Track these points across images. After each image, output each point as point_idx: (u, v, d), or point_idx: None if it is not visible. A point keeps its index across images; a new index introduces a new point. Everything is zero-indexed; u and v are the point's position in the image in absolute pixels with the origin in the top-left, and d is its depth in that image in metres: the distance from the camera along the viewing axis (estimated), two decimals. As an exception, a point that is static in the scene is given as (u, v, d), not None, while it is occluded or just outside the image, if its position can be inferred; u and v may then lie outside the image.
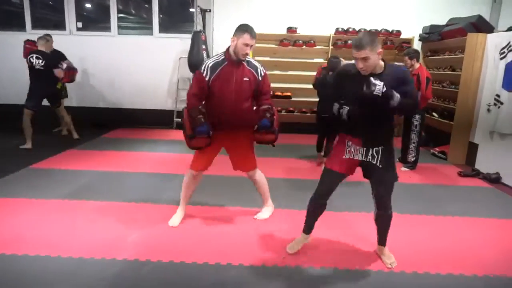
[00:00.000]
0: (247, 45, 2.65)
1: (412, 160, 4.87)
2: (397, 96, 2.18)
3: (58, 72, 5.36)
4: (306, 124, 6.81)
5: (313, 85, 4.92)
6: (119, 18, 7.14)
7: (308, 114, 6.87)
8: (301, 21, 6.82)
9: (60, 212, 3.27)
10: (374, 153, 2.38)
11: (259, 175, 3.15)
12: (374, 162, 2.39)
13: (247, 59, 2.79)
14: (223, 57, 2.74)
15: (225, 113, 2.79)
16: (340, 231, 3.03)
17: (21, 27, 7.05)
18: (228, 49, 2.75)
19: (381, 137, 2.40)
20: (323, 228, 2.91)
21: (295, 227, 2.91)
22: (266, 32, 6.68)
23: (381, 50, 2.22)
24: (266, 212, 3.28)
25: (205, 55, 6.19)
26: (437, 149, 5.66)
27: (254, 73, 2.81)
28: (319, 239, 2.86)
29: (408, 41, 6.74)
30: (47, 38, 5.47)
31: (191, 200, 3.25)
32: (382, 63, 2.29)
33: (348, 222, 3.23)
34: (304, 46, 6.73)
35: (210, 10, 6.74)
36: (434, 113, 5.91)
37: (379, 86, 2.14)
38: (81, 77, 7.08)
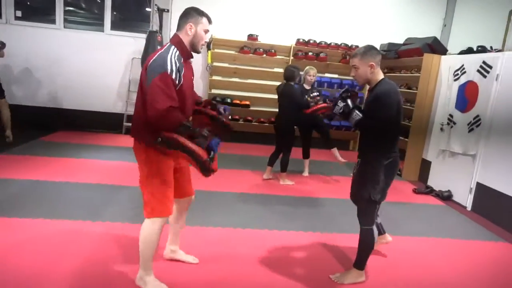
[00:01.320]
0: (207, 31, 2.13)
1: None
2: (353, 117, 2.30)
3: None
4: (264, 134, 6.65)
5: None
6: (66, 11, 6.53)
7: (267, 124, 6.71)
8: (263, 29, 6.68)
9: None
10: (356, 165, 2.44)
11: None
12: (352, 175, 2.48)
13: None
14: (178, 53, 2.03)
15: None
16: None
17: None
18: (179, 41, 2.07)
19: (362, 149, 2.45)
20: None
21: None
22: (226, 37, 6.46)
23: (372, 63, 2.26)
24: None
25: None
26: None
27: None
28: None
29: (366, 57, 6.85)
30: None
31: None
32: (379, 77, 2.32)
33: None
34: (264, 55, 6.59)
35: (168, 10, 6.38)
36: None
37: (338, 105, 2.33)
38: (19, 72, 6.36)
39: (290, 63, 6.60)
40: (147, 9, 6.83)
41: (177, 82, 1.96)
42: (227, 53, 6.63)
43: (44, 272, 2.31)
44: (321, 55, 6.68)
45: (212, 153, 1.92)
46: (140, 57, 6.07)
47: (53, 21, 6.44)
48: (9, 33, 6.03)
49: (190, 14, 2.09)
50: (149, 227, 2.10)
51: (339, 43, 6.78)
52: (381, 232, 2.84)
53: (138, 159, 2.12)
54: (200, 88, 6.75)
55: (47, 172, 4.17)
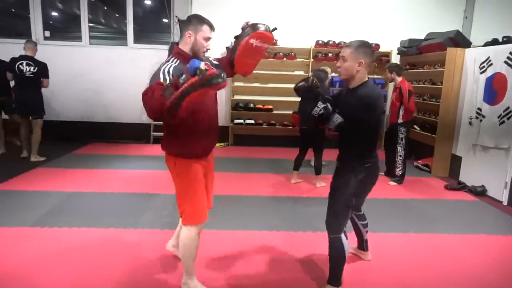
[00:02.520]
0: (208, 39, 2.08)
1: (400, 173, 4.84)
2: (334, 121, 2.11)
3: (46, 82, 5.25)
4: (287, 137, 6.68)
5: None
6: (90, 28, 6.78)
7: (290, 127, 6.74)
8: (281, 34, 6.70)
9: (24, 242, 2.89)
10: (335, 168, 2.34)
11: None
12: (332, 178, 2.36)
13: (207, 57, 2.20)
14: (177, 61, 2.02)
15: (203, 129, 2.09)
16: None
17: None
18: (178, 51, 2.08)
19: (340, 154, 2.32)
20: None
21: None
22: (246, 44, 6.54)
23: (362, 61, 2.10)
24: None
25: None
26: (420, 161, 5.66)
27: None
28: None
29: (387, 54, 6.80)
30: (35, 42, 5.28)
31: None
32: (364, 78, 2.17)
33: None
34: (284, 59, 6.63)
35: (187, 21, 6.52)
36: (415, 126, 5.93)
37: (317, 108, 2.16)
38: (50, 89, 6.62)
39: (310, 65, 6.64)
40: (164, 20, 7.01)
41: None
42: (247, 59, 6.71)
43: (87, 279, 2.41)
44: (341, 55, 6.65)
45: (198, 71, 1.72)
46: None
47: (78, 39, 6.70)
48: (40, 52, 6.26)
49: (190, 22, 2.07)
50: (187, 234, 2.17)
51: (359, 43, 6.75)
52: (364, 248, 2.77)
53: (170, 169, 2.18)
54: (222, 95, 6.85)
55: (82, 184, 4.33)
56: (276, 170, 5.25)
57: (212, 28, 2.10)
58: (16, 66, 4.95)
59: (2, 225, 3.15)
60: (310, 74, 5.26)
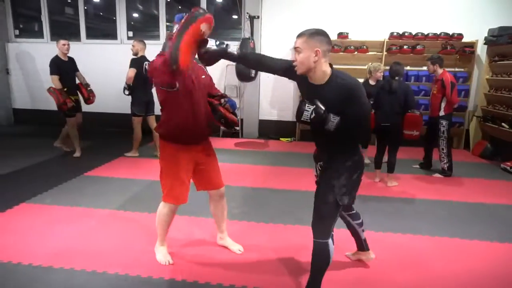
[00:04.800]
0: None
1: (446, 166, 4.73)
2: (332, 121, 1.85)
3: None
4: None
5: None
6: (165, 27, 7.22)
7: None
8: (353, 26, 6.52)
9: (112, 223, 3.22)
10: (319, 168, 2.20)
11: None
12: (317, 179, 2.22)
13: None
14: None
15: (188, 121, 2.37)
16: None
17: (74, 36, 7.29)
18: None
19: (327, 152, 2.13)
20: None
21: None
22: (315, 38, 6.45)
23: (318, 49, 1.84)
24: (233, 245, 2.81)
25: (253, 62, 6.05)
26: (508, 163, 5.11)
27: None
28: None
29: (471, 45, 6.23)
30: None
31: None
32: (327, 70, 1.91)
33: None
34: (355, 52, 6.41)
35: (258, 17, 6.62)
36: (503, 124, 5.36)
37: (307, 112, 1.85)
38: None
39: (383, 58, 6.33)
40: (234, 16, 7.18)
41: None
42: (316, 54, 6.62)
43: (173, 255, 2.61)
44: (418, 47, 6.25)
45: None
46: (234, 64, 6.38)
47: (156, 37, 7.16)
48: (123, 51, 6.85)
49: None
50: (161, 209, 2.50)
51: (438, 33, 6.27)
52: (364, 248, 2.58)
53: (159, 150, 2.49)
54: (290, 91, 6.86)
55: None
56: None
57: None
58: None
59: (92, 207, 3.53)
60: (369, 65, 5.07)
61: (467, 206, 3.81)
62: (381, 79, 4.85)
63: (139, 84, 4.98)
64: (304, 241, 2.89)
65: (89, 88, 5.30)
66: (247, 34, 6.56)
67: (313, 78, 1.94)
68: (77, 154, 5.32)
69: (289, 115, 6.95)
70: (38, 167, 4.84)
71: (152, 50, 7.15)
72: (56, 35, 7.54)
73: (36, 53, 7.42)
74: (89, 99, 5.29)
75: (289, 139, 6.82)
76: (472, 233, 3.14)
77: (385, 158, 4.47)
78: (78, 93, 5.26)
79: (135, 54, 5.06)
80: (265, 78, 6.78)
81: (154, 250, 2.66)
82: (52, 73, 4.93)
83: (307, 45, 1.87)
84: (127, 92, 5.05)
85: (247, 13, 6.55)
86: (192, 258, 2.66)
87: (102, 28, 7.94)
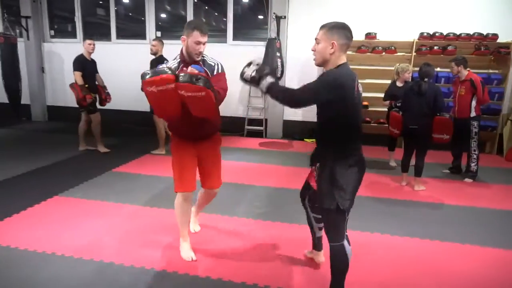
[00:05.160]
0: (199, 42, 2.36)
1: (475, 169, 4.64)
2: (264, 83, 2.01)
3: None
4: (383, 136, 6.35)
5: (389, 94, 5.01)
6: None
7: (386, 125, 6.38)
8: (381, 26, 6.40)
9: (139, 219, 3.31)
10: (317, 169, 2.11)
11: None
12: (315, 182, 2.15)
13: (203, 58, 2.48)
14: (178, 60, 2.48)
15: (191, 122, 2.42)
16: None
17: (105, 36, 7.52)
18: (180, 51, 2.47)
19: (321, 151, 2.10)
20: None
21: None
22: (342, 38, 6.38)
23: (334, 42, 1.90)
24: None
25: (279, 62, 6.07)
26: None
27: (209, 73, 2.47)
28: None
29: (507, 46, 5.98)
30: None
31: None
32: (338, 62, 1.93)
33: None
34: (383, 53, 6.30)
35: (285, 17, 6.61)
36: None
37: (248, 71, 2.07)
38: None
39: (412, 60, 6.19)
40: (260, 16, 7.19)
41: None
42: (343, 54, 6.54)
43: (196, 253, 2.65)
44: (449, 48, 6.06)
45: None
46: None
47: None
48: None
49: (185, 28, 2.40)
50: (176, 201, 2.62)
51: (471, 33, 6.06)
52: (316, 247, 2.56)
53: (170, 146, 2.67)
54: (315, 90, 6.81)
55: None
56: (368, 170, 5.02)
57: (203, 32, 2.36)
58: None
59: (120, 202, 3.64)
60: (397, 65, 5.05)
61: (498, 213, 3.67)
62: (409, 80, 4.75)
63: None
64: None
65: (106, 91, 5.55)
66: (273, 34, 6.56)
67: (326, 68, 1.99)
68: (104, 149, 5.50)
69: (314, 116, 6.87)
70: (69, 162, 5.04)
71: (179, 49, 7.34)
72: (88, 35, 7.82)
73: (69, 53, 7.65)
74: (105, 101, 5.52)
75: (313, 140, 6.78)
76: (508, 243, 3.02)
77: (413, 161, 4.38)
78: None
79: (155, 53, 5.20)
80: (290, 79, 6.77)
81: (179, 246, 2.72)
82: (76, 69, 5.13)
83: (325, 36, 1.93)
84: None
85: (274, 13, 6.56)
86: (218, 256, 2.70)
87: (131, 28, 8.16)
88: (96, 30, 7.91)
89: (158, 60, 5.05)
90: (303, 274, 2.49)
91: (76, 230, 3.02)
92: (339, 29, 1.93)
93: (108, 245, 2.80)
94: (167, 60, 4.94)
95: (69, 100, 7.75)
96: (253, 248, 2.82)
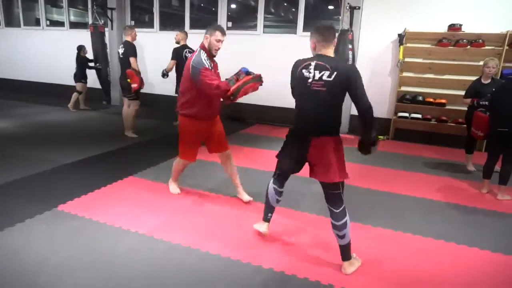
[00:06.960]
0: (219, 41, 3.04)
1: None
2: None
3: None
4: (458, 136, 5.84)
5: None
6: (263, 18, 7.33)
7: (465, 126, 5.86)
8: (467, 17, 5.83)
9: (206, 204, 3.43)
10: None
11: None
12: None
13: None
14: (205, 55, 3.02)
15: (204, 106, 3.12)
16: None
17: (178, 27, 7.83)
18: (203, 47, 3.05)
19: (329, 125, 2.54)
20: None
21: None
22: (421, 30, 5.94)
23: (311, 42, 2.44)
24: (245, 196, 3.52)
25: (350, 55, 5.83)
26: None
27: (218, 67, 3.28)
28: None
29: None
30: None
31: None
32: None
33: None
34: (468, 47, 5.75)
35: (359, 8, 6.32)
36: None
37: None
38: (227, 73, 7.51)
39: (503, 54, 5.58)
40: (329, 7, 6.95)
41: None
42: (421, 47, 6.10)
43: (265, 245, 2.66)
44: (550, 42, 5.35)
45: (251, 73, 3.09)
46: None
47: (253, 28, 7.33)
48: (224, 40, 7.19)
49: (208, 28, 3.05)
50: (177, 161, 3.50)
51: None
52: (266, 218, 2.79)
53: (179, 124, 3.31)
54: (388, 85, 6.47)
55: (249, 161, 4.82)
56: (442, 173, 4.67)
57: (223, 32, 3.06)
58: None
59: (188, 186, 3.79)
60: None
61: None
62: (495, 76, 4.24)
63: (180, 70, 5.52)
64: (388, 247, 2.75)
65: (140, 76, 5.58)
66: (345, 26, 6.32)
67: None
68: (132, 135, 5.72)
69: (383, 111, 6.56)
70: (142, 145, 5.37)
71: (249, 40, 7.44)
72: (163, 25, 8.23)
73: (146, 42, 8.17)
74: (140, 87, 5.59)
75: (381, 137, 6.46)
76: None
77: (496, 167, 3.96)
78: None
79: (178, 42, 6.10)
80: (363, 73, 6.46)
81: (244, 234, 2.79)
82: (133, 55, 5.32)
83: (310, 39, 2.49)
84: (165, 77, 6.19)
85: (348, 3, 6.30)
86: (283, 249, 2.70)
87: (204, 18, 8.40)
88: (170, 21, 8.28)
89: (182, 47, 6.02)
90: (367, 275, 2.39)
91: (149, 210, 3.22)
92: (314, 31, 2.42)
93: (176, 227, 2.94)
94: (190, 48, 5.90)
95: (146, 86, 8.27)
96: (311, 245, 2.77)
